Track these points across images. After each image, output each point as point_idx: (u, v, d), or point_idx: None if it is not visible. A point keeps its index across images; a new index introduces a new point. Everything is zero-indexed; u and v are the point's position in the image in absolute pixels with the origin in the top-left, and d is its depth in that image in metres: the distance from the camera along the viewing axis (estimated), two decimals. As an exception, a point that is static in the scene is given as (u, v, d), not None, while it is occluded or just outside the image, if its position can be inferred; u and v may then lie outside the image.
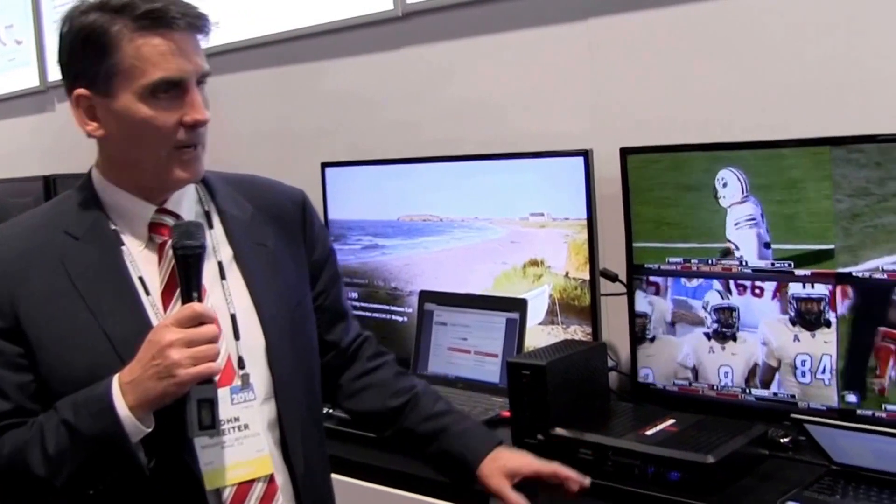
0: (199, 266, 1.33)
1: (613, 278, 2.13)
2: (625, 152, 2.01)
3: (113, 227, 1.41)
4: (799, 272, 1.81)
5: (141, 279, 1.39)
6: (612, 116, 2.26)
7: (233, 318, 1.42)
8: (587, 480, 1.55)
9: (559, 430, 1.80)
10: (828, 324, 1.79)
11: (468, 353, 2.26)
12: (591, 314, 2.12)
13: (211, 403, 1.28)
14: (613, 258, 2.10)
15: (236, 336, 1.41)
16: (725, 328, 1.93)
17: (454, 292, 2.35)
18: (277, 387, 1.44)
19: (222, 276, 1.44)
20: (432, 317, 2.34)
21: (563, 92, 2.35)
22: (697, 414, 1.86)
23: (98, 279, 1.37)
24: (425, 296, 2.38)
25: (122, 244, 1.40)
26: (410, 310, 2.49)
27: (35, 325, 1.34)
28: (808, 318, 1.82)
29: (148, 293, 1.39)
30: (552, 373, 1.84)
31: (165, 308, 1.38)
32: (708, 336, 1.95)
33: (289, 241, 1.54)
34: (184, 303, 1.31)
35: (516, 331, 2.17)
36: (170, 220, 1.42)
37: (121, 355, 1.31)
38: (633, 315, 2.05)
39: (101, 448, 1.27)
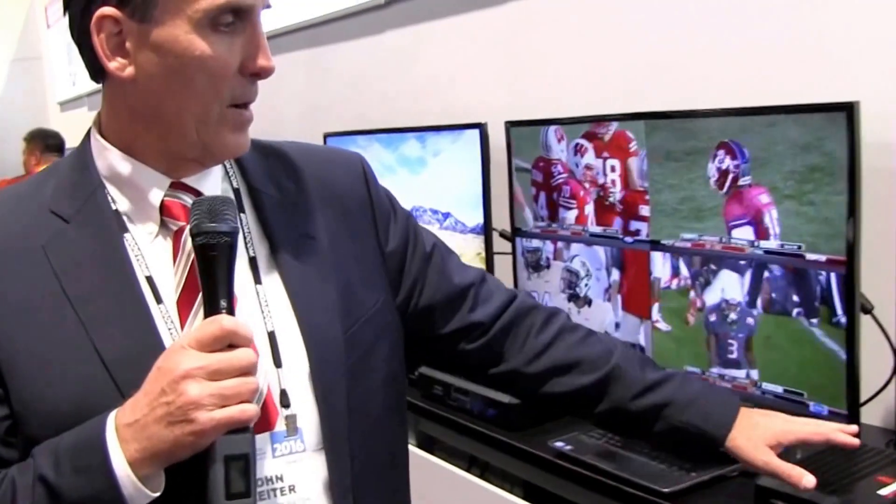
0: (230, 261, 0.97)
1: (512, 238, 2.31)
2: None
3: (114, 206, 1.05)
4: (627, 238, 1.95)
5: (150, 280, 1.02)
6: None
7: (271, 336, 1.04)
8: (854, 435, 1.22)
9: (425, 370, 2.07)
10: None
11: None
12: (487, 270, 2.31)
13: (245, 461, 0.93)
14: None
15: (277, 363, 1.03)
16: (576, 290, 2.10)
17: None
18: (326, 433, 1.05)
19: (256, 280, 1.06)
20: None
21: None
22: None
23: (92, 278, 1.00)
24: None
25: (126, 230, 1.04)
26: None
27: (6, 341, 0.98)
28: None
29: (159, 300, 1.02)
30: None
31: (184, 321, 1.01)
32: (568, 299, 2.12)
33: (352, 231, 1.16)
34: (207, 315, 0.95)
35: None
36: (189, 199, 1.05)
37: (119, 385, 0.97)
38: (515, 272, 2.25)
39: None
